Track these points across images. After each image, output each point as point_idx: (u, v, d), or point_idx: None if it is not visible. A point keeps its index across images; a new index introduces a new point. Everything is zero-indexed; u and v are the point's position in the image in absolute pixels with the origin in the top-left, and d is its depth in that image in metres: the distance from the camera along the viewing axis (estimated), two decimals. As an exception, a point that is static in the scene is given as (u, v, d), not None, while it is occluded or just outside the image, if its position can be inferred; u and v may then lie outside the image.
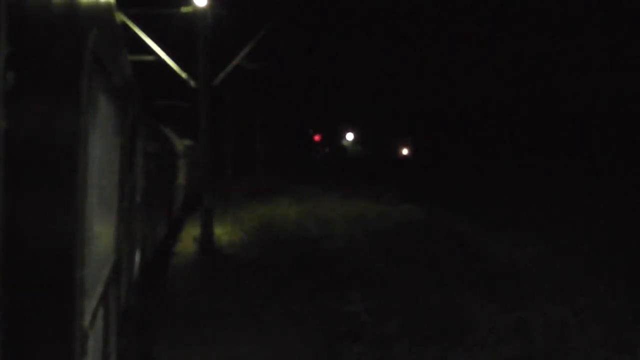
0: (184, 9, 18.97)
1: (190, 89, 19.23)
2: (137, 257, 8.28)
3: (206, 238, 18.43)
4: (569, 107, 48.57)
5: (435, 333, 9.75)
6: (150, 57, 19.17)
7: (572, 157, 41.32)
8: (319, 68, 59.92)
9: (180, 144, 24.07)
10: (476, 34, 69.73)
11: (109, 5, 3.51)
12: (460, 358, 8.88)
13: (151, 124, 13.95)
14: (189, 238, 20.41)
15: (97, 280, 3.17)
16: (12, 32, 1.34)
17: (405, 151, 70.45)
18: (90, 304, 2.78)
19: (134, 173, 7.72)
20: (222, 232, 20.80)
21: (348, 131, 78.73)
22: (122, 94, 4.15)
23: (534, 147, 47.82)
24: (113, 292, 3.94)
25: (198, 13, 18.55)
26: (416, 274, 13.80)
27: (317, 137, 74.80)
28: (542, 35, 58.47)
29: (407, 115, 67.16)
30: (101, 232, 3.49)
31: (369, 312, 11.03)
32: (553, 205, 24.25)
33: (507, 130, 53.02)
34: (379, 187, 35.10)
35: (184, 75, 18.90)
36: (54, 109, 1.85)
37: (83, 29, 2.34)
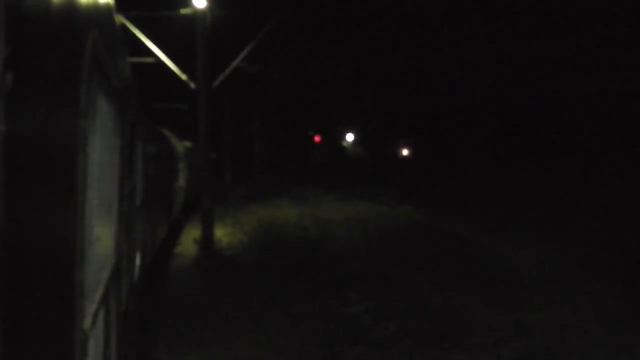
0: (184, 11, 18.98)
1: (190, 91, 19.23)
2: (138, 259, 8.28)
3: (206, 240, 18.43)
4: (568, 108, 48.58)
5: (435, 334, 9.75)
6: (150, 59, 19.19)
7: (572, 158, 41.31)
8: (319, 69, 59.86)
9: (180, 146, 24.07)
10: (477, 35, 69.73)
11: (108, 6, 3.51)
12: (460, 359, 8.87)
13: (151, 126, 13.94)
14: (189, 240, 20.41)
15: (97, 282, 3.16)
16: (10, 33, 1.33)
17: (405, 152, 70.43)
18: (91, 306, 2.78)
19: (134, 175, 7.71)
20: (222, 234, 20.79)
21: (348, 132, 78.69)
22: (121, 95, 4.14)
23: (534, 147, 47.82)
24: (114, 294, 3.94)
25: (197, 14, 18.55)
26: (415, 275, 13.79)
27: (317, 138, 74.75)
28: (542, 35, 58.53)
29: (407, 116, 67.16)
30: (101, 234, 3.48)
31: (369, 313, 11.03)
32: (553, 206, 24.24)
33: (507, 131, 53.03)
34: (379, 188, 35.09)
35: (183, 76, 18.90)
36: (53, 111, 1.85)
37: (82, 31, 2.33)
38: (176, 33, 21.61)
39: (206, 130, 18.70)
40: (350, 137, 79.53)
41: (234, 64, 20.02)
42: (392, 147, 69.67)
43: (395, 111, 67.28)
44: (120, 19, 16.68)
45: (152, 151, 12.74)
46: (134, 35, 18.48)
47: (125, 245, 4.67)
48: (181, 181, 23.34)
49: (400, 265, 14.97)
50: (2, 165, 1.32)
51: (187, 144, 27.36)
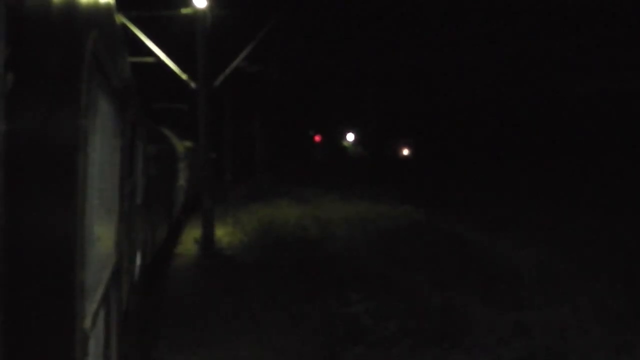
0: (184, 11, 18.97)
1: (190, 91, 19.23)
2: (138, 259, 8.28)
3: (207, 239, 18.43)
4: (568, 108, 48.57)
5: (435, 334, 9.74)
6: (150, 59, 19.18)
7: (572, 158, 41.30)
8: (319, 69, 59.91)
9: (181, 146, 24.06)
10: (477, 34, 69.73)
11: (109, 6, 3.51)
12: (460, 359, 8.87)
13: (151, 126, 13.94)
14: (189, 239, 20.40)
15: (98, 282, 3.16)
16: (11, 33, 1.33)
17: (405, 152, 70.50)
18: (92, 306, 2.78)
19: (135, 174, 7.72)
20: (223, 234, 20.79)
21: (348, 132, 78.69)
22: (122, 95, 4.14)
23: (534, 147, 47.81)
24: (114, 294, 3.94)
25: (198, 14, 18.55)
26: (415, 275, 13.79)
27: (317, 138, 74.85)
28: (542, 35, 58.48)
29: (407, 116, 67.17)
30: (102, 234, 3.48)
31: (369, 313, 11.02)
32: (553, 206, 24.24)
33: (507, 131, 53.03)
34: (379, 188, 35.10)
35: (184, 76, 18.89)
36: (54, 111, 1.85)
37: (83, 30, 2.33)
38: (176, 33, 21.61)
39: (206, 130, 18.70)
40: (350, 137, 79.52)
41: (234, 64, 20.02)
42: (392, 147, 69.73)
43: (395, 111, 67.31)
44: (120, 18, 16.67)
45: (153, 151, 12.74)
46: (134, 35, 18.47)
47: (126, 245, 4.67)
48: (181, 181, 23.34)
49: (400, 265, 14.97)
50: (2, 165, 1.32)
51: (187, 144, 27.36)
